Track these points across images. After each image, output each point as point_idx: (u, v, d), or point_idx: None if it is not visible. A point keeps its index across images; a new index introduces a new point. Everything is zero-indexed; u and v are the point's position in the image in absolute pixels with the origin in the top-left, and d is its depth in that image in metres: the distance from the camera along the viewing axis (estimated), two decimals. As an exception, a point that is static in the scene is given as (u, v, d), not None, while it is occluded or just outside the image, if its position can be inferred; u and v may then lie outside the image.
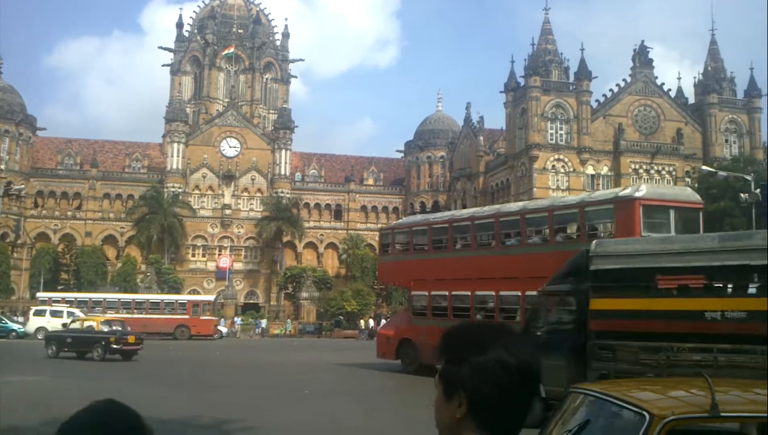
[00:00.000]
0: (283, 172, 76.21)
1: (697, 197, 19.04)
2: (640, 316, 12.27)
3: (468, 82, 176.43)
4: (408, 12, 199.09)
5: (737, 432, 4.56)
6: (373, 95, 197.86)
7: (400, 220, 35.59)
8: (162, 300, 49.57)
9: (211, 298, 53.54)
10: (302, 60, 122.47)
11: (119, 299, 48.82)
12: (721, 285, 12.41)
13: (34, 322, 42.26)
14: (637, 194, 17.29)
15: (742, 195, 36.08)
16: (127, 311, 46.33)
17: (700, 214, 18.22)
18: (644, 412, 3.67)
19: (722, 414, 3.56)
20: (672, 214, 16.96)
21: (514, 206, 26.07)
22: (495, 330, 1.71)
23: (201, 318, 46.94)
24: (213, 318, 49.03)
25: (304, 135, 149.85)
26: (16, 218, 69.88)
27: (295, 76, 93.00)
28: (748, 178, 35.82)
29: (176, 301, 49.59)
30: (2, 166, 67.01)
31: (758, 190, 34.47)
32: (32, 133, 73.86)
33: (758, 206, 34.84)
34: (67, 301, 45.99)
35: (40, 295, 50.65)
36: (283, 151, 76.32)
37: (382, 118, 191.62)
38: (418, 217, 32.39)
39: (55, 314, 41.30)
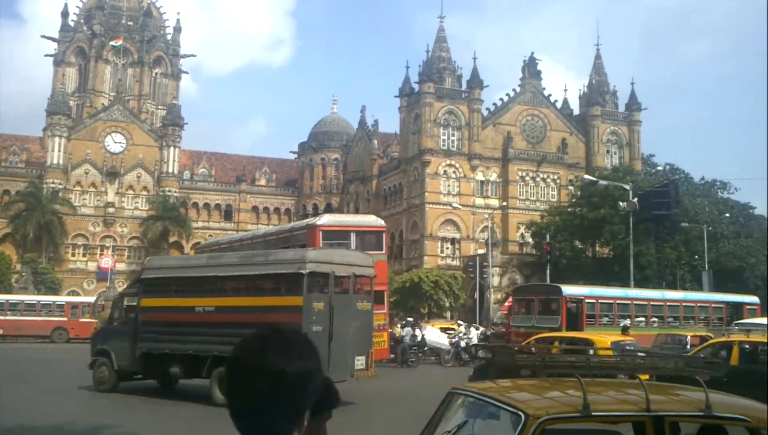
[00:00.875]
0: (171, 171, 74.17)
1: (380, 223, 24.23)
2: (163, 309, 16.76)
3: (363, 86, 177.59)
4: (303, 12, 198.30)
5: (613, 431, 4.67)
6: (267, 95, 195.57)
7: (206, 242, 43.29)
8: (38, 301, 47.09)
9: (92, 299, 51.39)
10: (194, 56, 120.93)
11: (-9, 300, 46.13)
12: (207, 288, 16.63)
13: None
14: (318, 223, 22.17)
15: (621, 203, 37.86)
16: (0, 313, 43.99)
17: (383, 235, 23.16)
18: (520, 413, 3.75)
19: (593, 413, 3.67)
20: (353, 236, 21.38)
21: (261, 230, 33.23)
22: (255, 340, 1.83)
23: (80, 320, 44.99)
24: (93, 320, 47.07)
25: (195, 133, 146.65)
26: None
27: (186, 72, 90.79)
28: (627, 187, 37.56)
29: (54, 302, 47.26)
30: None
31: (636, 199, 36.27)
32: None
33: (635, 214, 36.67)
34: (-68, 302, 43.05)
35: None
36: (172, 148, 74.27)
37: (275, 119, 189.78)
38: (217, 239, 41.24)
39: None
